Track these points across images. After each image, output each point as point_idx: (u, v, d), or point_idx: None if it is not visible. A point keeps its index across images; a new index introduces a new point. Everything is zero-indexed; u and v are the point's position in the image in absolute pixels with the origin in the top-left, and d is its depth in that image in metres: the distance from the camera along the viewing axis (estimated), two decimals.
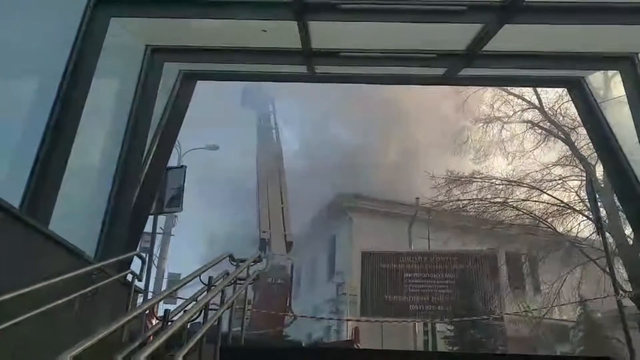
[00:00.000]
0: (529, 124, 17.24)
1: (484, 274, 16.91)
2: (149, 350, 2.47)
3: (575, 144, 15.64)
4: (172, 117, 6.67)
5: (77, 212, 5.23)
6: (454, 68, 6.48)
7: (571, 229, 15.28)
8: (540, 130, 17.00)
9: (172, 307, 5.26)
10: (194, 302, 4.46)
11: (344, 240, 19.17)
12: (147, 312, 6.47)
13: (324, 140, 21.14)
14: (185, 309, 4.47)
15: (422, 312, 16.49)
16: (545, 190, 15.80)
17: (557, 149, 16.67)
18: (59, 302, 3.73)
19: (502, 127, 17.47)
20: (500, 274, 16.70)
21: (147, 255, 8.73)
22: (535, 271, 16.95)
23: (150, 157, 6.37)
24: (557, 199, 15.55)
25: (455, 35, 5.82)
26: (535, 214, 15.79)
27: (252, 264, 5.38)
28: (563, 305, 14.92)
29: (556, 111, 16.18)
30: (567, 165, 16.10)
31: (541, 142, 16.76)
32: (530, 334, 15.91)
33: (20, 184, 4.13)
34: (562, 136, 16.18)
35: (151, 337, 3.62)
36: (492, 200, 16.60)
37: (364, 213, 19.28)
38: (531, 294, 17.25)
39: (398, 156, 21.20)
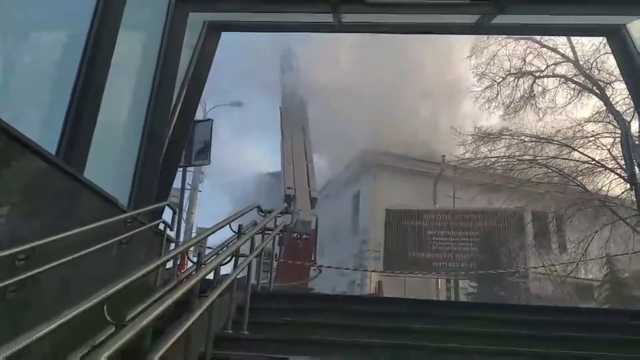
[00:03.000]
0: (562, 79, 16.61)
1: (509, 232, 16.84)
2: (183, 290, 2.57)
3: (611, 99, 15.05)
4: (197, 69, 6.66)
5: (110, 163, 5.34)
6: (486, 15, 6.20)
7: (601, 187, 14.93)
8: (573, 85, 16.38)
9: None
10: (224, 249, 4.58)
11: (368, 197, 19.22)
12: (179, 262, 6.73)
13: (349, 94, 20.78)
14: (217, 254, 4.60)
15: (445, 268, 16.63)
16: (576, 148, 15.37)
17: (590, 105, 16.10)
18: (97, 246, 3.88)
19: (534, 81, 16.87)
20: (526, 233, 16.59)
21: (178, 208, 8.94)
22: (562, 230, 16.75)
23: (178, 110, 6.42)
24: (589, 157, 15.14)
25: None
26: (564, 172, 15.45)
27: (279, 215, 5.47)
28: (590, 260, 14.78)
29: (592, 65, 15.50)
30: (600, 121, 15.56)
31: (574, 97, 16.19)
32: (554, 292, 15.91)
33: (56, 133, 4.22)
34: (597, 91, 15.56)
35: (184, 281, 3.76)
36: (520, 158, 16.28)
37: (389, 170, 19.20)
38: (557, 253, 17.11)
39: (424, 111, 20.79)
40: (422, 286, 16.99)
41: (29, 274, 3.12)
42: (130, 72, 5.89)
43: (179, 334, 2.48)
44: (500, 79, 17.05)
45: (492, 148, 16.91)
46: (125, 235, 4.47)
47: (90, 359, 1.69)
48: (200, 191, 16.72)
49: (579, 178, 15.22)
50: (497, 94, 17.22)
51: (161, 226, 5.42)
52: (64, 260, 3.47)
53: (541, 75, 16.87)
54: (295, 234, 13.45)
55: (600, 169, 14.99)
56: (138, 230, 4.63)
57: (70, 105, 4.23)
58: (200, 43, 6.72)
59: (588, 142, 15.26)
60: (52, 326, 1.97)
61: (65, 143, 4.16)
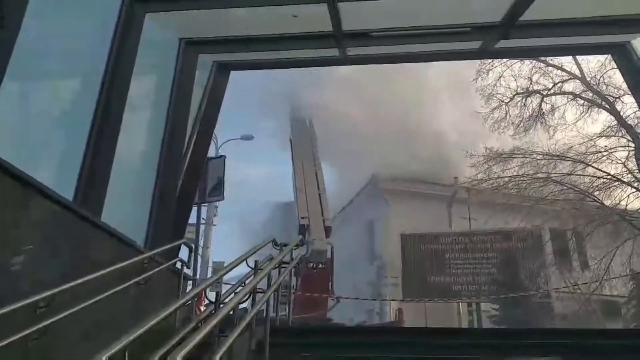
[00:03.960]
0: (571, 96, 16.58)
1: (528, 252, 16.57)
2: (204, 332, 2.57)
3: (621, 113, 14.95)
4: (208, 108, 6.80)
5: (126, 205, 5.43)
6: (490, 41, 6.29)
7: (620, 201, 14.69)
8: (582, 102, 16.33)
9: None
10: (241, 286, 4.58)
11: (382, 223, 19.12)
12: (196, 299, 6.72)
13: (356, 121, 20.96)
14: (235, 292, 4.59)
15: (466, 292, 16.35)
16: (590, 163, 15.20)
17: (601, 120, 15.98)
18: (116, 289, 3.91)
19: (542, 100, 16.86)
20: (545, 251, 16.30)
21: (194, 244, 8.99)
22: (582, 247, 16.41)
23: (191, 148, 6.54)
24: (603, 172, 14.94)
25: (490, 6, 5.65)
26: (580, 188, 15.24)
27: (295, 247, 5.46)
28: (614, 278, 14.41)
29: (599, 80, 15.48)
30: (612, 136, 15.42)
31: (584, 113, 16.11)
32: (579, 311, 15.49)
33: (72, 178, 4.32)
34: (607, 106, 15.48)
35: (202, 322, 3.75)
36: (534, 176, 16.13)
37: (401, 195, 19.13)
38: (579, 271, 16.73)
39: (434, 136, 20.81)
40: (443, 311, 16.67)
41: (50, 321, 3.15)
42: (143, 114, 6.06)
43: None
44: (508, 99, 17.08)
45: (505, 168, 16.79)
46: (143, 276, 4.50)
47: None
48: (214, 225, 16.79)
49: (595, 193, 14.98)
50: (506, 114, 17.22)
51: (178, 265, 5.45)
52: (83, 305, 3.50)
53: (549, 93, 16.87)
54: (311, 264, 13.38)
55: (617, 183, 14.77)
56: (155, 270, 4.66)
57: (87, 151, 4.35)
58: (210, 82, 6.89)
59: (602, 157, 15.11)
60: None
61: (82, 188, 4.26)
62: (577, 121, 16.11)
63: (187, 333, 2.76)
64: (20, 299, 2.99)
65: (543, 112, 16.80)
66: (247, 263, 4.61)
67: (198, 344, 2.57)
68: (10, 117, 4.18)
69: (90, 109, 4.67)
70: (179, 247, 5.69)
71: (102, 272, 3.78)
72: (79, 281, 3.50)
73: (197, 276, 9.14)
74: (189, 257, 5.66)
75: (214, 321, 2.76)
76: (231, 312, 3.62)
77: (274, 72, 14.41)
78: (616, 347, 4.55)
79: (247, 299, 3.85)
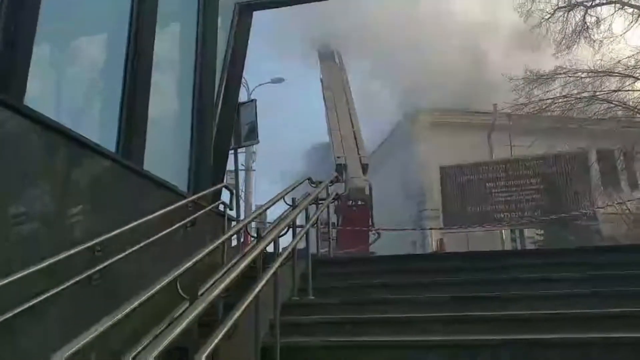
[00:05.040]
0: (618, 4, 15.35)
1: (573, 175, 16.12)
2: (246, 261, 2.74)
3: None
4: (235, 52, 6.79)
5: (165, 153, 5.63)
6: None
7: None
8: (631, 10, 15.11)
9: None
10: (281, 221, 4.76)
11: (421, 156, 18.91)
12: (242, 240, 7.05)
13: (390, 56, 20.32)
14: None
15: (508, 220, 16.25)
16: None
17: None
18: (164, 232, 4.16)
19: (586, 12, 15.72)
20: (592, 173, 15.80)
21: (235, 189, 9.28)
22: (631, 167, 15.79)
23: (222, 94, 6.61)
24: None
25: None
26: (629, 105, 14.46)
27: (330, 184, 5.58)
28: None
29: None
30: None
31: (633, 22, 14.94)
32: (629, 231, 15.16)
33: (113, 132, 4.51)
34: None
35: (246, 255, 3.96)
36: (578, 96, 15.36)
37: (439, 126, 18.71)
38: (628, 191, 16.19)
39: (470, 62, 19.95)
40: (486, 240, 16.70)
41: (108, 262, 3.44)
42: (172, 65, 6.12)
43: (247, 302, 2.66)
44: (549, 15, 16.01)
45: (547, 89, 16.04)
46: (189, 219, 4.75)
47: (167, 333, 1.87)
48: (254, 170, 17.19)
49: None
50: (547, 31, 16.20)
51: (221, 207, 5.69)
52: (136, 247, 3.78)
53: (593, 4, 15.68)
54: (351, 202, 13.59)
55: None
56: (200, 213, 4.90)
57: (122, 105, 4.49)
58: (234, 25, 6.83)
59: None
60: (134, 305, 2.19)
61: (123, 140, 4.44)
62: (625, 32, 14.99)
63: (232, 266, 2.94)
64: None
65: (587, 26, 15.70)
66: (284, 201, 4.78)
67: (242, 273, 2.76)
68: (48, 81, 4.35)
69: (120, 66, 4.76)
70: (220, 191, 5.92)
71: (150, 216, 4.03)
72: (130, 225, 3.76)
73: (241, 218, 9.50)
74: (231, 200, 5.89)
75: (255, 252, 2.93)
76: (273, 248, 3.82)
77: (297, 10, 14.01)
78: None
79: (286, 233, 4.01)
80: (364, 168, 14.53)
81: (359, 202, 13.67)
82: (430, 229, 16.22)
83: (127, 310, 2.10)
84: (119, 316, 2.05)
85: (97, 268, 3.36)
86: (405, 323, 3.70)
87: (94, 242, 3.40)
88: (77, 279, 3.13)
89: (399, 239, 16.83)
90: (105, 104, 4.75)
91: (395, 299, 4.19)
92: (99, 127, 4.64)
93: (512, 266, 4.90)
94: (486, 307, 3.78)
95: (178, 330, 1.90)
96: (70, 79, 4.59)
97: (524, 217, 15.83)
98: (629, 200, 14.11)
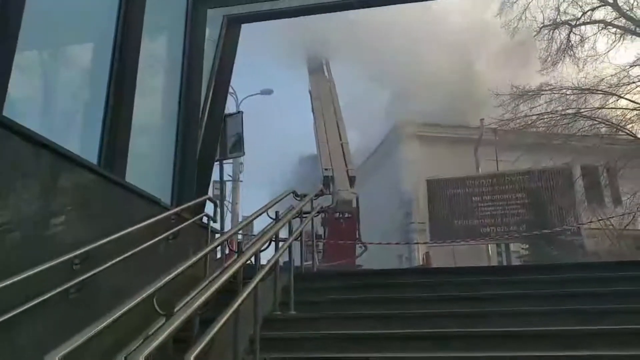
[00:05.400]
0: (601, 24, 15.70)
1: (557, 191, 16.33)
2: (225, 276, 2.72)
3: None
4: (222, 64, 6.79)
5: (149, 165, 5.59)
6: None
7: None
8: (614, 30, 15.46)
9: None
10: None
11: (407, 169, 19.03)
12: (227, 253, 6.99)
13: (378, 70, 20.51)
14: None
15: (494, 234, 16.36)
16: (622, 95, 14.57)
17: (634, 48, 15.16)
18: (146, 244, 4.11)
19: (571, 30, 16.04)
20: (576, 189, 16.01)
21: (219, 200, 9.23)
22: (614, 183, 16.02)
23: (208, 106, 6.59)
24: (637, 103, 14.33)
25: None
26: (612, 122, 14.72)
27: (315, 197, 5.57)
28: None
29: (632, 5, 14.58)
30: None
31: (616, 42, 15.27)
32: (612, 246, 15.33)
33: (95, 144, 4.46)
34: None
35: (227, 269, 3.93)
36: (563, 113, 15.60)
37: (426, 140, 18.88)
38: (611, 207, 16.42)
39: (458, 77, 20.21)
40: (472, 254, 16.78)
41: (87, 275, 3.38)
42: (157, 75, 6.11)
43: (225, 317, 2.64)
44: (535, 33, 16.31)
45: (532, 105, 16.28)
46: (171, 231, 4.70)
47: (141, 349, 1.84)
48: (241, 181, 17.13)
49: (628, 127, 14.46)
50: (533, 48, 16.49)
51: (204, 219, 5.65)
52: (116, 260, 3.73)
53: (578, 23, 16.01)
54: (338, 214, 13.58)
55: None
56: (183, 225, 4.85)
57: (105, 116, 4.46)
58: (222, 37, 6.83)
59: (636, 88, 14.44)
60: (107, 322, 2.16)
61: (105, 152, 4.40)
62: (608, 51, 15.32)
63: (210, 281, 2.92)
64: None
65: (572, 44, 16.02)
66: (267, 214, 4.75)
67: (221, 289, 2.74)
68: (31, 89, 4.31)
69: (105, 77, 4.73)
70: (204, 204, 5.88)
71: (131, 229, 3.98)
72: (110, 238, 3.71)
73: (228, 229, 9.43)
74: (215, 212, 5.85)
75: (236, 266, 2.91)
76: (254, 262, 3.79)
77: (286, 23, 14.10)
78: None
79: (267, 247, 3.99)
80: (352, 180, 14.57)
81: (346, 215, 13.67)
82: (416, 243, 16.27)
83: (99, 327, 2.07)
84: (91, 334, 2.01)
85: (75, 281, 3.31)
86: (388, 339, 3.68)
87: (72, 254, 3.35)
88: (53, 292, 3.07)
89: (385, 252, 16.83)
90: (88, 114, 4.71)
91: (378, 314, 4.17)
92: (80, 138, 4.59)
93: (494, 282, 4.92)
94: (466, 324, 3.78)
95: (150, 348, 1.86)
96: (52, 90, 4.55)
97: (510, 232, 15.94)
98: (611, 217, 14.30)
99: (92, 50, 5.04)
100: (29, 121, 3.36)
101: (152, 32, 5.46)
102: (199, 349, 2.19)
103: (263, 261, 3.96)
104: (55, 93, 4.69)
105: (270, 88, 18.62)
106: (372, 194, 18.82)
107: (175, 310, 2.41)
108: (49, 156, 3.44)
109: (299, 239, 5.20)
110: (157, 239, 4.39)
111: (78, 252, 3.39)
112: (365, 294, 4.77)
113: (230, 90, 10.81)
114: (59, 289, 3.14)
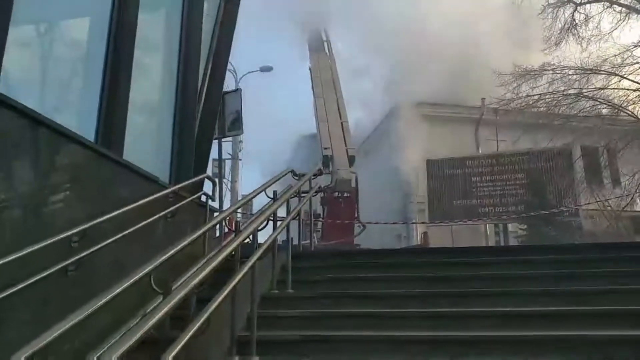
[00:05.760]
0: (607, 3, 15.45)
1: (557, 171, 16.32)
2: (222, 255, 2.72)
3: None
4: (220, 40, 6.69)
5: (146, 142, 5.56)
6: None
7: None
8: (619, 8, 15.22)
9: None
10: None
11: (407, 149, 18.97)
12: (225, 232, 7.01)
13: (378, 47, 20.24)
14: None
15: (492, 214, 16.42)
16: (625, 76, 14.43)
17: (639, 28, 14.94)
18: (144, 223, 4.11)
19: (575, 9, 15.80)
20: (575, 170, 16.01)
21: (218, 179, 9.22)
22: (614, 164, 16.01)
23: (206, 82, 6.52)
24: None
25: None
26: (614, 103, 14.62)
27: (313, 177, 5.56)
28: None
29: None
30: None
31: (621, 21, 15.06)
32: (609, 227, 15.40)
33: (92, 121, 4.42)
34: None
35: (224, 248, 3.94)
36: (565, 93, 15.48)
37: (426, 120, 18.76)
38: (610, 188, 16.44)
39: (459, 56, 19.96)
40: (470, 234, 16.88)
41: (85, 253, 3.39)
42: (155, 51, 6.01)
43: (222, 296, 2.65)
44: (539, 12, 16.06)
45: (534, 85, 16.14)
46: (170, 209, 4.70)
47: (138, 327, 1.85)
48: (240, 159, 17.09)
49: (630, 107, 14.37)
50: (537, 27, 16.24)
51: (203, 198, 5.64)
52: (114, 238, 3.73)
53: (583, 1, 15.76)
54: (337, 194, 13.60)
55: None
56: (181, 204, 4.85)
57: (102, 93, 4.40)
58: (221, 12, 6.72)
59: (639, 69, 14.29)
60: (105, 299, 2.16)
61: (102, 129, 4.36)
62: (612, 30, 15.12)
63: (208, 259, 2.92)
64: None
65: (576, 23, 15.80)
66: (266, 193, 4.75)
67: (219, 267, 2.74)
68: (26, 65, 4.25)
69: (101, 52, 4.66)
70: (202, 182, 5.86)
71: (128, 207, 3.98)
72: (107, 216, 3.71)
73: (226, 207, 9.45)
74: (213, 191, 5.84)
75: (233, 245, 2.91)
76: (252, 240, 3.81)
77: None
78: None
79: (265, 226, 3.99)
80: (351, 160, 14.53)
81: (345, 194, 13.68)
82: (414, 223, 16.35)
83: (96, 306, 2.07)
84: (88, 311, 2.02)
85: (73, 259, 3.32)
86: (383, 317, 3.72)
87: (70, 232, 3.36)
88: (52, 270, 3.08)
89: (384, 231, 16.92)
90: (85, 91, 4.66)
91: (374, 294, 4.21)
92: (77, 115, 4.55)
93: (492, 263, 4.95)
94: (460, 303, 3.81)
95: (147, 326, 1.88)
96: (48, 66, 4.48)
97: (508, 212, 16.00)
98: (609, 199, 14.33)
99: (88, 26, 4.95)
100: (24, 98, 3.32)
101: (149, 7, 5.36)
102: (193, 330, 2.20)
103: (261, 240, 3.97)
104: (51, 70, 4.63)
105: (270, 65, 18.44)
106: (373, 171, 18.81)
107: (173, 288, 2.42)
108: (45, 133, 3.40)
109: (297, 218, 5.22)
110: (155, 217, 4.38)
111: (76, 229, 3.39)
112: (363, 273, 4.81)
113: (230, 67, 10.72)
114: (57, 266, 3.15)
